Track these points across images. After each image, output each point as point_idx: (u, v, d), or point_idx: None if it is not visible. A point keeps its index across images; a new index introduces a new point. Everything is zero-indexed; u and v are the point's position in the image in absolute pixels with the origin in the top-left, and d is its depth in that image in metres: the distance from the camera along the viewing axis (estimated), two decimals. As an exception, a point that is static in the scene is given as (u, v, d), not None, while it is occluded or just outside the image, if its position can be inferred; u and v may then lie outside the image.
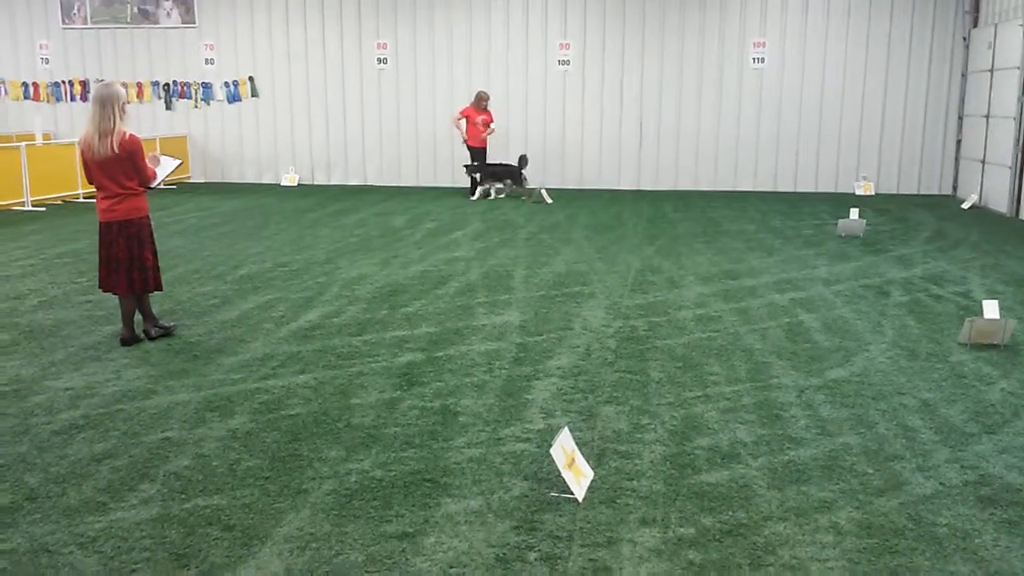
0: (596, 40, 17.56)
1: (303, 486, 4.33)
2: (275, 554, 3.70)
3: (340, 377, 5.97)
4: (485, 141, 16.02)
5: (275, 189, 17.76)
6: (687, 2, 17.20)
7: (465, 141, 16.07)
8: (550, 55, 17.71)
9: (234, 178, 18.99)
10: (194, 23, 18.63)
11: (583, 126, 17.86)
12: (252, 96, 18.71)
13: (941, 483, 4.38)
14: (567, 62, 17.67)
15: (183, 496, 4.23)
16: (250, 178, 18.95)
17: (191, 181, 18.82)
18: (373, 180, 18.60)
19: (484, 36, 17.80)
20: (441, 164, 18.38)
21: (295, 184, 18.44)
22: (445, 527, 3.92)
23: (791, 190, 17.39)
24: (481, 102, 15.99)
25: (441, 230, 12.44)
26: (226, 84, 18.73)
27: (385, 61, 18.14)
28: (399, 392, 5.67)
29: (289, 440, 4.90)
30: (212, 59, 18.72)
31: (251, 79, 18.63)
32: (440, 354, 6.50)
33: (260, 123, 18.81)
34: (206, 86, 18.83)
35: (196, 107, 18.94)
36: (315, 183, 18.63)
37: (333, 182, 18.68)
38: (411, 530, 3.89)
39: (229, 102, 18.80)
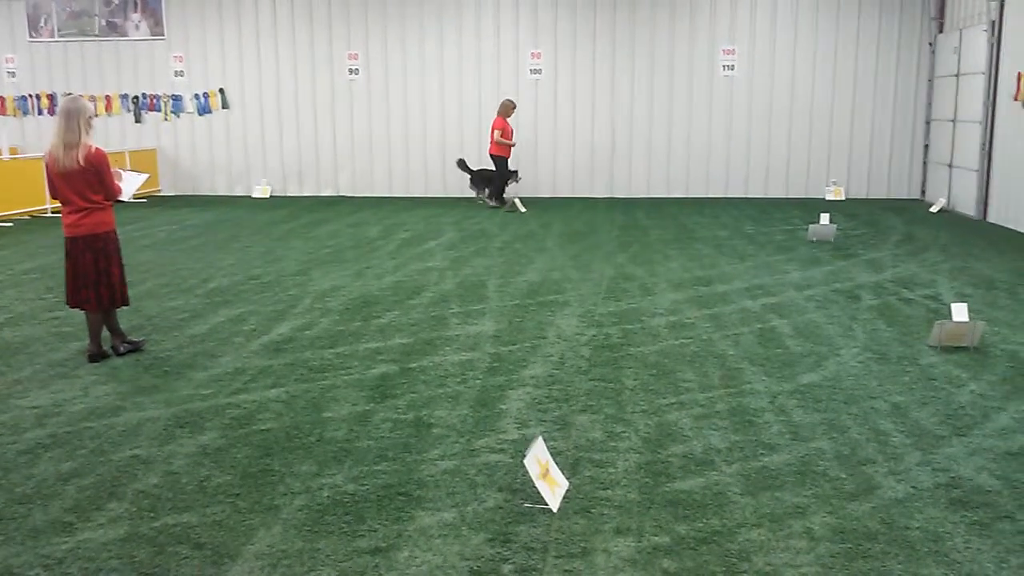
0: (567, 49, 17.61)
1: (274, 502, 4.28)
2: (246, 572, 3.65)
3: (312, 390, 5.92)
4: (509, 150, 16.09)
5: (246, 201, 17.65)
6: (657, 10, 17.30)
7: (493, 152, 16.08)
8: (522, 64, 17.74)
9: (205, 191, 18.84)
10: (163, 35, 18.49)
11: (555, 134, 17.89)
12: (223, 108, 18.59)
13: (913, 486, 4.40)
14: (539, 71, 17.71)
15: (152, 514, 4.17)
16: (221, 190, 18.81)
17: (161, 194, 18.66)
18: (346, 191, 18.52)
19: (455, 45, 17.81)
20: (414, 174, 18.34)
21: (267, 196, 18.33)
22: (419, 541, 3.89)
23: (762, 196, 17.51)
24: (509, 111, 16.03)
25: (415, 240, 12.40)
26: (196, 96, 18.60)
27: (356, 71, 18.09)
28: (372, 405, 5.63)
29: (260, 455, 4.85)
30: (182, 71, 18.59)
31: (221, 91, 18.51)
32: (414, 365, 6.46)
33: (231, 135, 18.69)
34: (176, 98, 18.69)
35: (166, 120, 18.79)
36: (287, 195, 18.53)
37: (305, 193, 18.58)
38: (384, 545, 3.86)
39: (199, 114, 18.66)
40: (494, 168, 16.25)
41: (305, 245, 12.05)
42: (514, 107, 16.16)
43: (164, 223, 14.40)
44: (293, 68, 18.24)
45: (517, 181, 16.38)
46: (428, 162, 18.27)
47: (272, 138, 18.57)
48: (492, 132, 15.99)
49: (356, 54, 18.03)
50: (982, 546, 3.82)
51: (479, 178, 16.41)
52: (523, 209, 15.49)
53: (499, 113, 16.02)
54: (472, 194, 16.94)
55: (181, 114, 18.73)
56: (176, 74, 18.62)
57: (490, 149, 16.12)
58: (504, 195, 16.23)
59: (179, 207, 16.65)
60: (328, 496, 4.33)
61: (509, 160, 16.14)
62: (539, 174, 18.00)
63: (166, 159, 18.91)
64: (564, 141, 17.87)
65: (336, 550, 3.82)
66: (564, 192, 17.99)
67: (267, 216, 15.22)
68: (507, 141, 15.92)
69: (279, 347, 6.98)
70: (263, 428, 5.25)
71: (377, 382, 6.08)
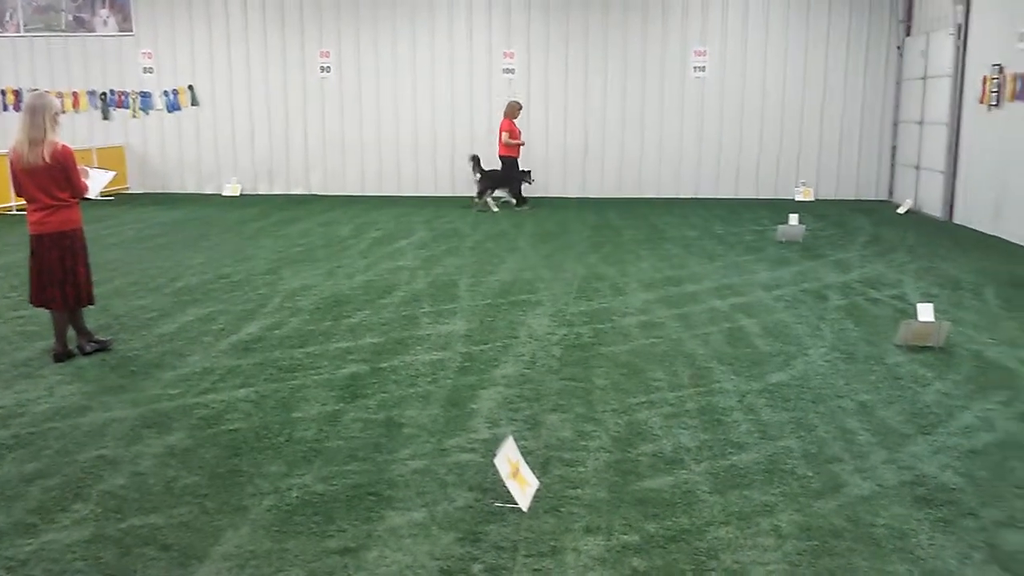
0: (540, 49, 17.63)
1: (243, 503, 4.25)
2: (213, 573, 3.62)
3: (282, 390, 5.88)
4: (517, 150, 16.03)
5: (216, 199, 17.49)
6: (630, 11, 17.37)
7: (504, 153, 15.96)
8: (495, 63, 17.74)
9: (174, 188, 18.65)
10: (131, 31, 18.28)
11: (528, 134, 17.88)
12: (192, 105, 18.41)
13: (878, 484, 4.46)
14: (512, 70, 17.72)
15: (118, 516, 4.12)
16: (191, 188, 18.64)
17: (129, 192, 18.44)
18: (317, 189, 18.42)
19: (428, 44, 17.77)
20: (386, 173, 18.28)
21: (237, 194, 18.18)
22: (388, 541, 3.88)
23: (732, 196, 17.63)
24: (516, 112, 15.97)
25: (386, 239, 12.36)
26: (165, 93, 18.41)
27: (328, 69, 18.00)
28: (342, 404, 5.61)
29: (229, 456, 4.81)
30: (151, 68, 18.39)
31: (191, 88, 18.34)
32: (384, 365, 6.44)
33: (200, 132, 18.52)
34: (144, 95, 18.48)
35: (134, 116, 18.58)
36: (258, 193, 18.39)
37: (276, 192, 18.46)
38: (353, 545, 3.84)
39: (168, 111, 18.47)
40: (500, 169, 16.05)
41: (275, 244, 11.98)
42: (520, 107, 16.07)
43: (132, 221, 14.25)
44: (264, 65, 18.11)
45: (530, 182, 16.33)
46: (400, 161, 18.22)
47: (243, 136, 18.43)
48: (500, 134, 15.91)
49: (328, 52, 17.94)
50: (946, 542, 3.88)
51: (487, 178, 16.27)
52: (495, 209, 15.49)
53: (505, 114, 15.92)
54: (474, 196, 16.68)
55: (150, 111, 18.53)
56: (145, 70, 18.41)
57: (499, 151, 16.04)
58: (489, 197, 16.15)
59: (147, 205, 16.48)
60: (297, 496, 4.31)
61: (519, 160, 16.02)
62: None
63: (134, 156, 18.70)
64: (537, 141, 17.88)
65: (305, 550, 3.80)
66: (536, 192, 17.99)
67: (237, 214, 15.10)
68: (515, 141, 15.87)
69: (248, 346, 6.93)
70: (231, 428, 5.21)
71: (347, 382, 6.05)
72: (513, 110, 15.92)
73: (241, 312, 8.06)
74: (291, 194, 18.28)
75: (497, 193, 16.12)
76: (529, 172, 16.22)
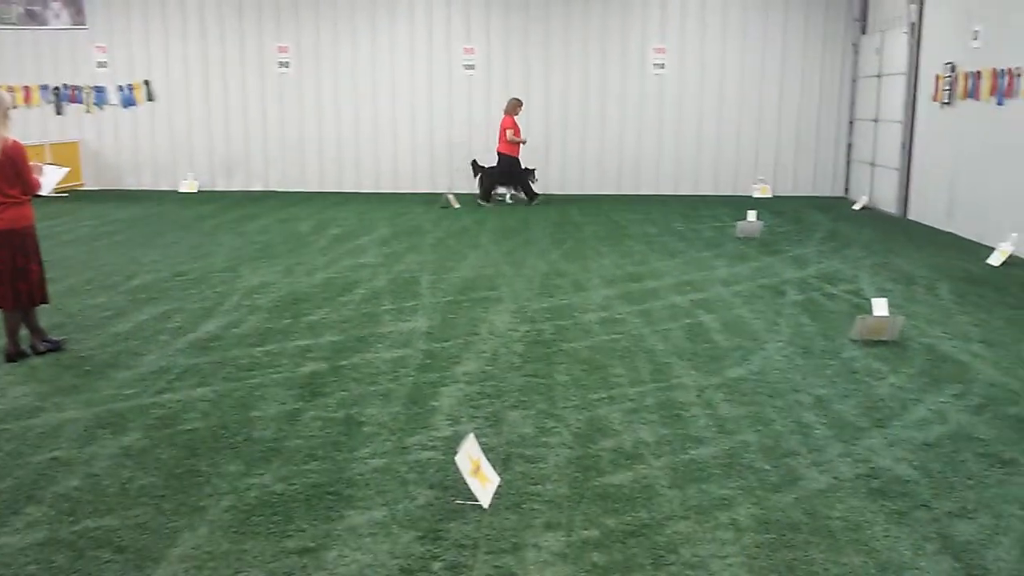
0: (500, 45, 17.62)
1: (200, 503, 4.20)
2: (169, 575, 3.57)
3: (240, 389, 5.82)
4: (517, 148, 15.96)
5: (173, 196, 17.25)
6: (590, 8, 17.42)
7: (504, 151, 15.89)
8: (454, 59, 17.70)
9: (130, 185, 18.36)
10: (84, 25, 17.95)
11: (489, 130, 17.87)
12: (148, 100, 18.13)
13: (834, 477, 4.52)
14: (472, 66, 17.69)
15: (72, 518, 4.05)
16: (147, 185, 18.36)
17: (84, 188, 18.11)
18: (276, 186, 18.24)
19: (388, 40, 17.67)
20: (346, 168, 18.16)
21: (195, 190, 17.94)
22: (348, 540, 3.86)
23: (692, 193, 17.77)
24: (516, 109, 15.90)
25: (347, 236, 12.28)
26: (120, 88, 18.10)
27: (287, 64, 17.83)
28: (301, 403, 5.56)
29: (186, 456, 4.75)
30: (105, 62, 18.06)
31: (147, 82, 18.06)
32: (344, 363, 6.40)
33: (156, 128, 18.24)
34: (99, 90, 18.16)
35: (88, 111, 18.25)
36: (215, 189, 18.16)
37: (234, 188, 18.24)
38: (313, 545, 3.82)
39: (124, 106, 18.17)
40: (498, 165, 15.99)
41: (234, 241, 11.84)
42: (521, 104, 16.02)
43: (86, 218, 14.00)
44: (221, 60, 17.89)
45: (534, 181, 16.30)
46: (360, 157, 18.11)
47: (199, 131, 18.19)
48: (502, 131, 15.83)
49: (286, 47, 17.76)
50: (900, 534, 3.95)
51: (488, 176, 16.17)
52: (457, 205, 15.46)
53: (506, 112, 15.88)
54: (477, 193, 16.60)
55: (104, 106, 18.21)
56: (99, 65, 18.09)
57: (499, 148, 15.96)
58: (496, 194, 16.13)
59: (102, 202, 16.20)
60: (256, 496, 4.27)
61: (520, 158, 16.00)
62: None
63: (89, 152, 18.37)
64: (497, 137, 17.85)
65: (264, 551, 3.77)
66: (499, 189, 17.97)
67: (194, 211, 14.90)
68: (518, 139, 15.82)
69: (206, 345, 6.84)
70: (188, 428, 5.15)
71: (307, 380, 6.01)
72: (514, 107, 15.87)
73: (198, 310, 7.96)
74: (250, 190, 18.09)
75: (501, 190, 16.11)
76: (534, 171, 16.19)
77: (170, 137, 18.24)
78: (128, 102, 18.14)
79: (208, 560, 3.69)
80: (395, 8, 17.59)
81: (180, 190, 17.97)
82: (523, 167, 16.00)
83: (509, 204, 16.00)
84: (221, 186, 18.26)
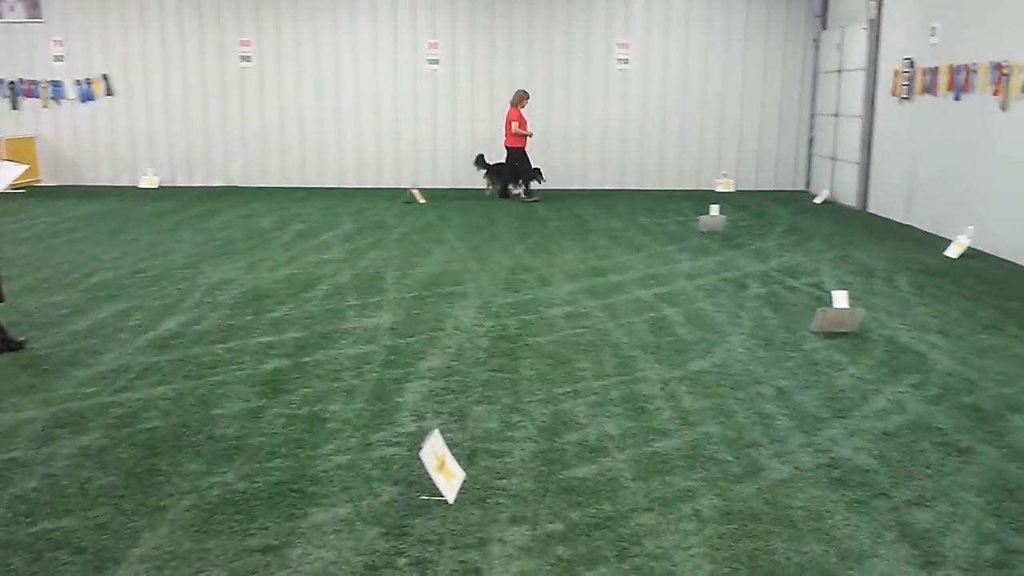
0: (465, 38, 17.58)
1: (161, 503, 4.15)
2: (130, 576, 3.53)
3: (201, 387, 5.75)
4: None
5: (132, 192, 17.00)
6: (554, 3, 17.42)
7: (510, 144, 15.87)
8: (419, 54, 17.62)
9: (88, 181, 18.06)
10: (41, 18, 17.61)
11: (454, 125, 17.86)
12: (107, 95, 17.84)
13: (796, 467, 4.57)
14: (436, 61, 17.62)
15: (29, 520, 3.98)
16: (106, 180, 18.07)
17: (41, 185, 17.79)
18: (238, 181, 18.05)
19: (351, 34, 17.55)
20: (309, 163, 18.02)
21: (155, 186, 17.69)
22: (312, 538, 3.83)
23: (656, 188, 17.86)
24: (523, 101, 15.83)
25: (310, 232, 12.19)
26: (78, 82, 17.79)
27: (248, 59, 17.63)
28: (264, 400, 5.51)
29: (146, 455, 4.69)
30: (62, 56, 17.74)
31: (105, 77, 17.77)
32: (308, 359, 6.35)
33: (116, 123, 17.96)
34: (56, 84, 17.83)
35: (45, 106, 17.91)
36: (176, 185, 17.94)
37: (195, 184, 18.03)
38: (276, 543, 3.79)
39: (82, 101, 17.86)
40: (507, 161, 15.99)
41: (195, 237, 11.70)
42: (527, 96, 15.97)
43: (44, 215, 13.75)
44: (181, 54, 17.65)
45: (541, 181, 16.24)
46: (324, 152, 17.98)
47: (159, 126, 17.94)
48: (508, 124, 15.78)
49: (248, 41, 17.58)
50: (859, 523, 4.00)
51: (495, 172, 16.18)
52: (422, 200, 15.40)
53: (512, 103, 15.84)
54: (483, 187, 16.67)
55: (62, 101, 17.89)
56: (56, 59, 17.77)
57: (506, 141, 15.92)
58: (516, 190, 16.13)
59: (60, 198, 15.92)
60: (218, 495, 4.22)
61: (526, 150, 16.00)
62: (437, 165, 17.95)
63: (46, 148, 18.04)
64: (463, 132, 17.84)
65: (226, 550, 3.73)
66: (464, 184, 17.96)
67: (154, 207, 14.70)
68: (524, 131, 15.77)
69: (166, 343, 6.76)
70: (149, 427, 5.08)
71: (269, 377, 5.96)
72: (520, 99, 15.82)
73: (159, 308, 7.86)
74: (211, 186, 17.89)
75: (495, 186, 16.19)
76: (539, 170, 16.16)
77: (129, 132, 17.97)
78: (86, 96, 17.84)
79: (169, 560, 3.65)
80: (357, 2, 17.47)
81: (140, 186, 17.72)
82: (531, 166, 16.00)
83: (526, 200, 15.97)
84: (182, 182, 18.03)
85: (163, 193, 16.78)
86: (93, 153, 18.10)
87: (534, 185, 16.14)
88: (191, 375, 6.00)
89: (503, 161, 16.13)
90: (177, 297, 8.25)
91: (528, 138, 15.92)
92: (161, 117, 17.90)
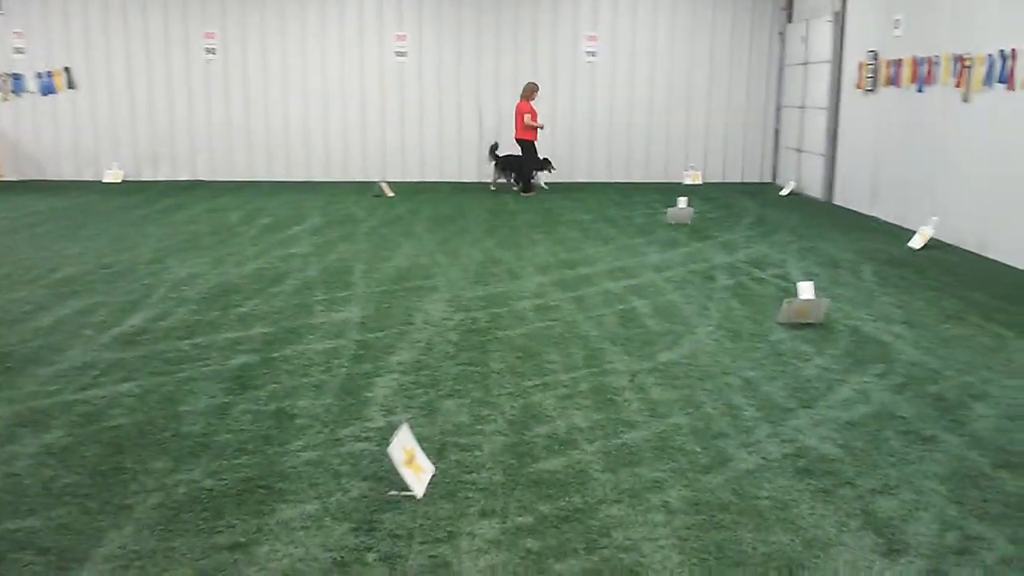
0: (432, 30, 17.50)
1: (126, 501, 4.10)
2: (95, 575, 3.49)
3: (167, 384, 5.70)
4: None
5: (96, 186, 16.76)
6: (521, -5, 17.41)
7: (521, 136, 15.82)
8: (386, 46, 17.52)
9: (51, 175, 17.76)
10: (0, 10, 17.28)
11: (422, 118, 17.78)
12: (68, 87, 17.55)
13: (763, 457, 4.62)
14: (404, 53, 17.54)
15: (-9, 521, 3.93)
16: (68, 175, 17.78)
17: (2, 179, 17.48)
18: (204, 175, 17.85)
19: (318, 26, 17.41)
20: (276, 157, 17.87)
21: (119, 180, 17.46)
22: (280, 534, 3.81)
23: (624, 180, 17.91)
24: (533, 93, 15.77)
25: (278, 226, 12.09)
26: (39, 75, 17.48)
27: (213, 51, 17.44)
28: (231, 397, 5.47)
29: (111, 453, 4.63)
30: (22, 48, 17.42)
31: (67, 69, 17.47)
32: (275, 355, 6.31)
33: (78, 116, 17.67)
34: (16, 77, 17.50)
35: (5, 100, 17.58)
36: (141, 179, 17.70)
37: (160, 178, 17.80)
38: (243, 540, 3.76)
39: (43, 94, 17.55)
40: (520, 154, 15.95)
41: (160, 232, 11.57)
42: (537, 88, 15.92)
43: (5, 210, 13.52)
44: (145, 46, 17.41)
45: (551, 171, 16.21)
46: (291, 145, 17.83)
47: (123, 119, 17.68)
48: (518, 116, 15.70)
49: (213, 33, 17.37)
50: (825, 512, 4.05)
51: (505, 164, 16.13)
52: (390, 193, 15.34)
53: (523, 96, 15.78)
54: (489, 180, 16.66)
55: (22, 94, 17.57)
56: (15, 51, 17.43)
57: (516, 134, 15.84)
58: (533, 181, 16.11)
59: (22, 193, 15.66)
60: (184, 493, 4.19)
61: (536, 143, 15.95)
62: (406, 158, 17.88)
63: (6, 141, 17.72)
64: (431, 124, 17.78)
65: (193, 548, 3.70)
66: (432, 176, 17.92)
67: (119, 201, 14.51)
68: (535, 124, 15.70)
69: (131, 339, 6.68)
70: (114, 424, 5.02)
71: (237, 373, 5.91)
72: (530, 91, 15.77)
73: (124, 303, 7.76)
74: (176, 180, 17.68)
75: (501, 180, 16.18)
76: (549, 160, 16.15)
77: (93, 125, 17.70)
78: (47, 89, 17.54)
79: (135, 559, 3.61)
80: (324, -6, 17.34)
81: (104, 180, 17.47)
82: (540, 157, 16.00)
83: (545, 190, 16.07)
84: (147, 176, 17.80)
85: (128, 187, 16.56)
86: (55, 147, 17.80)
87: (545, 176, 16.19)
88: (157, 372, 5.93)
89: (514, 153, 16.10)
90: (142, 293, 8.16)
91: (540, 130, 15.89)
92: (125, 110, 17.65)
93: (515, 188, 16.09)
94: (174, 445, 4.74)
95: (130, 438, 4.83)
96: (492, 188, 16.24)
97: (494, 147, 16.29)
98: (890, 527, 3.91)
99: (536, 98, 15.93)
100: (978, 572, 3.56)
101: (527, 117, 15.64)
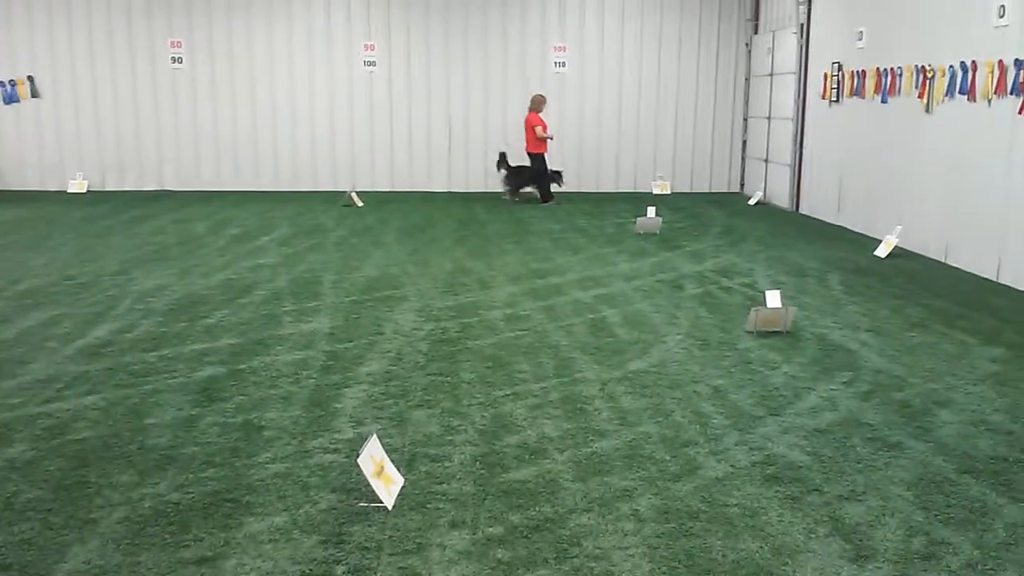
0: (402, 41, 17.50)
1: (91, 515, 4.04)
2: (58, 592, 3.43)
3: (133, 396, 5.62)
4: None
5: (61, 196, 16.56)
6: (490, 5, 17.45)
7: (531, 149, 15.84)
8: (355, 56, 17.49)
9: (14, 185, 17.50)
10: (-39, 17, 17.05)
11: (391, 128, 17.76)
12: (32, 97, 17.33)
13: (732, 465, 4.64)
14: (373, 63, 17.51)
15: (-50, 537, 3.85)
16: (33, 185, 17.54)
17: (-37, 189, 17.23)
18: (171, 185, 17.70)
19: (285, 36, 17.34)
20: (244, 167, 17.75)
21: (84, 191, 17.25)
22: (248, 548, 3.77)
23: (594, 190, 18.00)
24: (541, 105, 15.78)
25: (246, 236, 12.00)
26: (1, 84, 17.25)
27: (180, 60, 17.30)
28: (198, 409, 5.41)
29: (75, 467, 4.56)
30: (-16, 56, 17.21)
31: (30, 78, 17.25)
32: (243, 366, 6.25)
33: (42, 126, 17.45)
34: (-22, 86, 17.29)
35: (-33, 108, 17.35)
36: (106, 189, 17.51)
37: (127, 188, 17.62)
38: (211, 554, 3.71)
39: (6, 103, 17.31)
40: (530, 166, 15.96)
41: (126, 242, 11.44)
42: (545, 100, 15.97)
43: (-34, 220, 13.32)
44: (110, 55, 17.24)
45: (561, 184, 16.24)
46: (259, 154, 17.73)
47: (88, 129, 17.49)
48: (528, 129, 15.70)
49: (179, 42, 17.24)
50: (793, 518, 4.08)
51: (514, 175, 16.13)
52: (360, 203, 15.28)
53: (531, 109, 15.81)
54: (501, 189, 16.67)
55: (-16, 103, 17.35)
56: (-23, 59, 17.22)
57: (527, 147, 15.85)
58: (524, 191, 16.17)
59: (-16, 203, 15.43)
60: (150, 506, 4.13)
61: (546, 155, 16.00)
62: (375, 168, 17.84)
63: (-32, 151, 17.47)
64: (400, 134, 17.77)
65: (159, 562, 3.65)
66: (402, 186, 17.89)
67: (84, 212, 14.34)
68: (546, 135, 15.70)
69: (96, 351, 6.59)
70: (78, 438, 4.95)
71: (204, 385, 5.84)
72: (539, 104, 15.79)
73: (89, 315, 7.66)
74: (143, 190, 17.50)
75: (528, 188, 16.14)
76: (560, 173, 16.20)
77: (57, 135, 17.49)
78: (10, 98, 17.30)
79: (100, 574, 3.55)
80: (292, 3, 17.27)
81: (69, 190, 17.26)
82: (550, 169, 16.05)
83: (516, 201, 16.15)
84: (112, 186, 17.62)
85: (93, 198, 16.37)
86: (19, 157, 17.56)
87: (553, 187, 16.30)
88: (122, 384, 5.85)
89: (524, 164, 16.12)
90: (108, 304, 8.06)
91: (549, 141, 15.94)
92: (90, 120, 17.46)
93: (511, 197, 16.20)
94: (140, 458, 4.67)
95: (95, 451, 4.76)
96: (515, 199, 16.13)
97: (502, 157, 16.29)
98: (857, 533, 3.95)
99: (544, 109, 15.99)
100: (943, 577, 3.60)
101: (538, 130, 15.70)
